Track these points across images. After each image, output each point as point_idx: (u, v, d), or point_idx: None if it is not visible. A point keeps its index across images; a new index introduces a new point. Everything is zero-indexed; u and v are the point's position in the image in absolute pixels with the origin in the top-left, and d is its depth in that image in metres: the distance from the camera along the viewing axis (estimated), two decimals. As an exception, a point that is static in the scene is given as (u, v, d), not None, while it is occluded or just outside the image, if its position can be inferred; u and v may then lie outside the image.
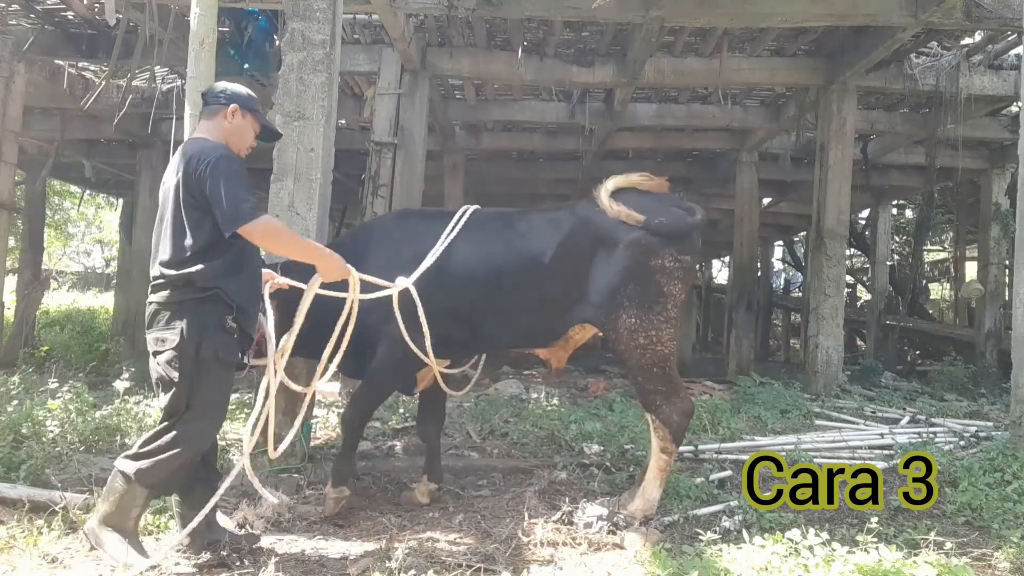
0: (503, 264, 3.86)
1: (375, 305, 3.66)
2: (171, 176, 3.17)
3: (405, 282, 3.72)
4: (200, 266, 3.07)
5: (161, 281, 3.11)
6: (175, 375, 3.05)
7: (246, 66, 7.42)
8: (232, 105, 3.34)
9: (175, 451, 3.05)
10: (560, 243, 3.80)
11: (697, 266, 3.73)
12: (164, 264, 3.10)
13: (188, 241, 3.08)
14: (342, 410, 6.39)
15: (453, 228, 3.93)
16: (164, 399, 3.11)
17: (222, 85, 3.46)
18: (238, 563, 3.12)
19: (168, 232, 3.12)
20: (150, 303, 3.14)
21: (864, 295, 18.44)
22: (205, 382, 3.10)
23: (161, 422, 3.12)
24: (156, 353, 3.09)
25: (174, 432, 3.06)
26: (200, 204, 3.08)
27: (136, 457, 3.07)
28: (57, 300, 17.95)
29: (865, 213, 16.20)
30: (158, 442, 3.06)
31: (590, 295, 3.77)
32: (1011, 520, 3.76)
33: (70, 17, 8.13)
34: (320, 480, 4.39)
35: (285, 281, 3.57)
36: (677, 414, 3.72)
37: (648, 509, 3.72)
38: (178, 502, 3.22)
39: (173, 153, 3.32)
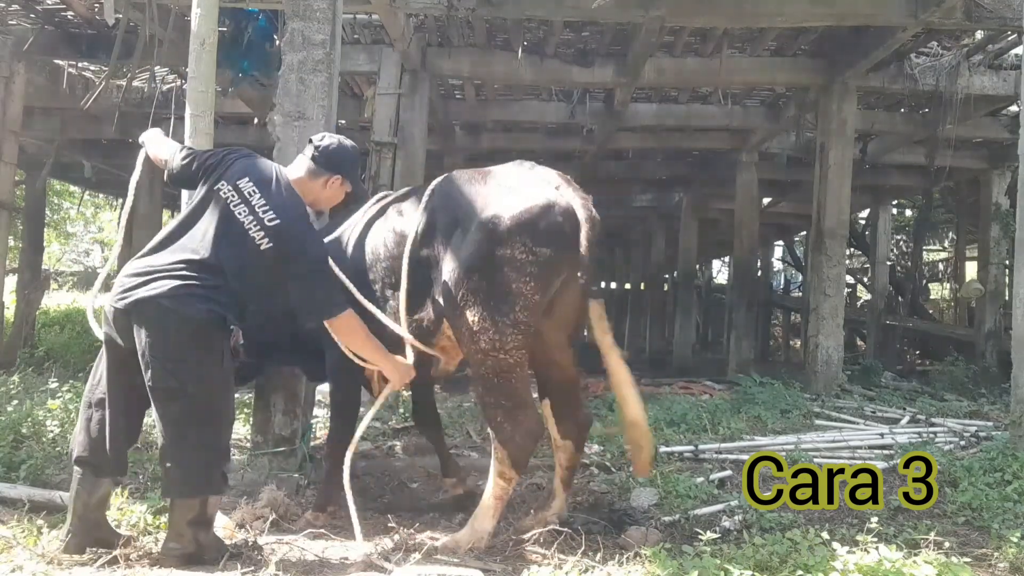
0: (378, 251, 3.59)
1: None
2: (257, 230, 3.06)
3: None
4: (239, 300, 3.15)
5: (185, 290, 3.00)
6: (192, 389, 3.00)
7: (246, 65, 7.42)
8: (337, 176, 3.32)
9: (220, 449, 3.13)
10: (425, 223, 3.43)
11: (566, 263, 3.21)
12: (198, 276, 3.03)
13: (241, 283, 3.12)
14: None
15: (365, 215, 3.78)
16: (182, 406, 3.00)
17: (337, 143, 3.36)
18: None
19: (230, 266, 3.08)
20: (165, 307, 2.98)
21: (864, 295, 18.44)
22: (222, 389, 3.16)
23: (186, 431, 3.01)
24: (164, 360, 2.97)
25: (207, 436, 3.06)
26: (277, 275, 3.14)
27: (196, 478, 3.01)
28: (57, 300, 17.93)
29: (865, 213, 16.20)
30: (201, 451, 3.01)
31: (441, 286, 3.32)
32: (1011, 520, 3.75)
33: (70, 17, 8.13)
34: (320, 480, 4.38)
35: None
36: (520, 435, 3.23)
37: (476, 541, 3.28)
38: (78, 495, 3.06)
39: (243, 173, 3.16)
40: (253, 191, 3.13)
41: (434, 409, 4.42)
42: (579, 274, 3.29)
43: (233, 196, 3.13)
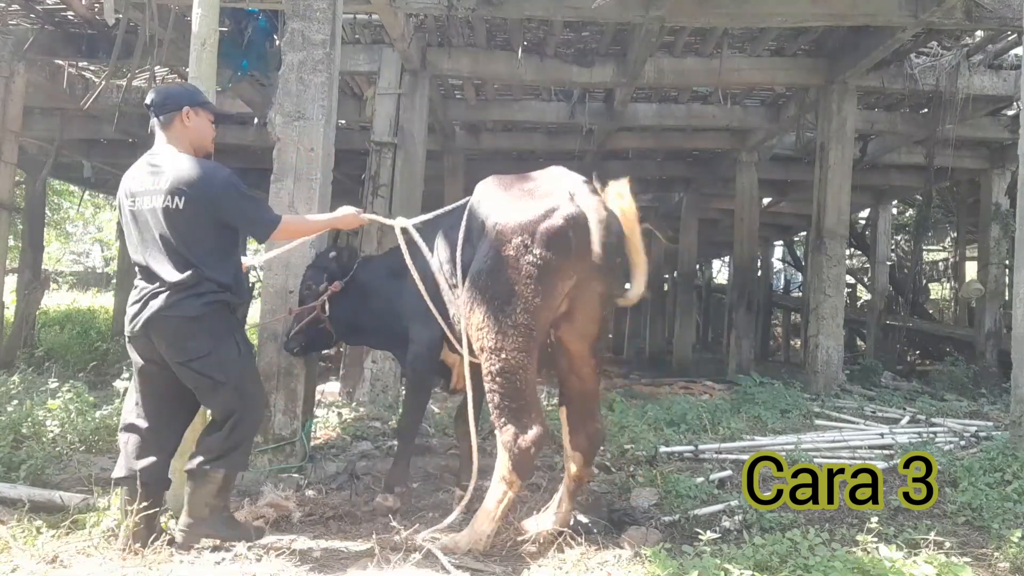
0: (443, 253, 3.77)
1: (404, 299, 3.87)
2: (167, 199, 3.16)
3: (404, 221, 3.90)
4: (215, 271, 3.23)
5: (173, 298, 3.16)
6: (222, 377, 3.20)
7: (245, 65, 7.42)
8: (184, 108, 3.36)
9: (251, 433, 3.38)
10: (465, 227, 3.58)
11: (571, 269, 3.23)
12: (175, 281, 3.16)
13: (201, 255, 3.20)
14: (342, 410, 6.44)
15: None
16: (222, 396, 3.23)
17: (162, 90, 3.47)
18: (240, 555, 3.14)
19: (176, 250, 3.17)
20: (166, 316, 3.15)
21: (864, 295, 18.44)
22: (247, 370, 3.36)
23: (228, 413, 3.25)
24: (188, 362, 3.18)
25: (245, 418, 3.28)
26: (213, 222, 3.23)
27: (221, 454, 3.22)
28: (57, 300, 17.93)
29: (865, 213, 16.20)
30: (237, 431, 3.24)
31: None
32: (1011, 520, 3.75)
33: (70, 17, 8.13)
34: (320, 480, 4.39)
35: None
36: (524, 440, 3.22)
37: (475, 543, 3.30)
38: (125, 512, 3.20)
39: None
40: (139, 181, 3.25)
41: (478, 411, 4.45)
42: (593, 283, 3.31)
43: (141, 199, 3.23)
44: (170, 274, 3.16)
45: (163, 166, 3.24)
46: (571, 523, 3.58)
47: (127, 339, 3.29)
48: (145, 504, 3.17)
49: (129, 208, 3.26)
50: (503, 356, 3.23)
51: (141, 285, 3.25)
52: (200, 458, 3.22)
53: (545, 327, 3.33)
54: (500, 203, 3.39)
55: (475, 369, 3.54)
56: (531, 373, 3.30)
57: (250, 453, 3.47)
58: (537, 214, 3.24)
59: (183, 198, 3.15)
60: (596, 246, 3.21)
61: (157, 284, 3.18)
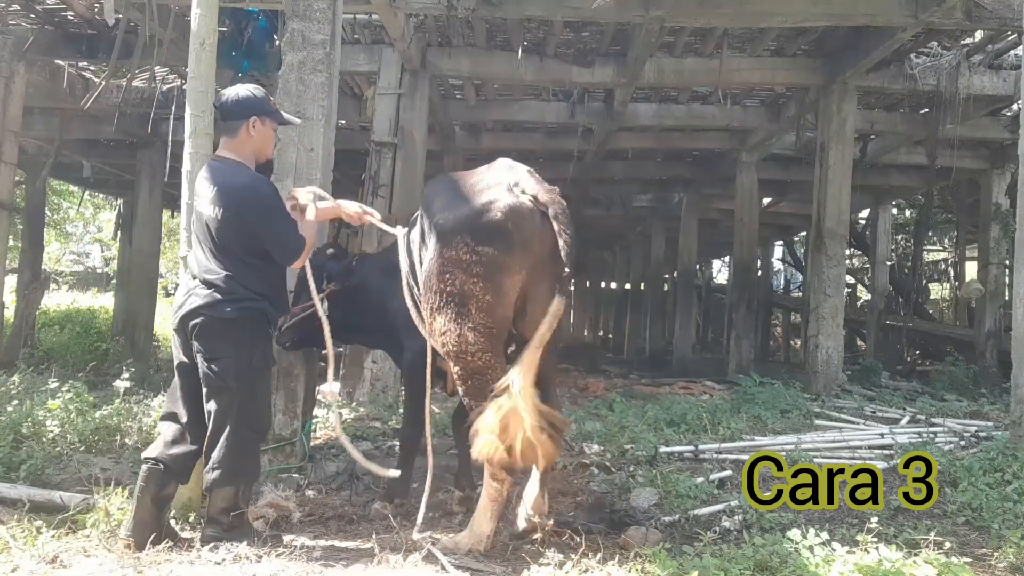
0: (407, 256, 3.75)
1: (396, 301, 3.77)
2: (210, 207, 3.29)
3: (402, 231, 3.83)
4: (249, 280, 3.32)
5: (211, 297, 3.26)
6: (233, 383, 3.26)
7: (246, 65, 7.42)
8: (251, 118, 3.42)
9: (255, 442, 3.41)
10: (419, 228, 3.53)
11: (517, 263, 3.15)
12: (213, 281, 3.28)
13: (237, 262, 3.31)
14: (343, 410, 6.43)
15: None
16: (226, 400, 3.27)
17: (233, 94, 3.46)
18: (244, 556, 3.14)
19: (217, 254, 3.31)
20: (201, 313, 3.25)
21: (864, 295, 18.44)
22: (260, 382, 3.41)
23: (226, 423, 3.27)
24: (208, 361, 3.26)
25: (242, 429, 3.29)
26: (247, 235, 3.32)
27: (230, 470, 3.26)
28: (57, 300, 17.92)
29: (865, 213, 16.21)
30: (237, 443, 3.26)
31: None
32: (1011, 520, 3.75)
33: (70, 17, 8.14)
34: (320, 480, 4.39)
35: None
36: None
37: (475, 543, 3.27)
38: (144, 489, 3.24)
39: (195, 170, 3.46)
40: (200, 183, 3.42)
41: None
42: (545, 274, 3.24)
43: (198, 200, 3.41)
44: (208, 275, 3.29)
45: (213, 174, 3.36)
46: (547, 510, 3.53)
47: (173, 332, 3.43)
48: (156, 491, 3.21)
49: (195, 207, 3.43)
50: (468, 359, 3.19)
51: (186, 281, 3.40)
52: (214, 477, 3.27)
53: (505, 323, 3.27)
54: (442, 202, 3.32)
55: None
56: (500, 371, 3.23)
57: (259, 460, 3.49)
58: (474, 210, 3.17)
59: (222, 209, 3.27)
60: (550, 236, 3.15)
61: (197, 282, 3.32)
